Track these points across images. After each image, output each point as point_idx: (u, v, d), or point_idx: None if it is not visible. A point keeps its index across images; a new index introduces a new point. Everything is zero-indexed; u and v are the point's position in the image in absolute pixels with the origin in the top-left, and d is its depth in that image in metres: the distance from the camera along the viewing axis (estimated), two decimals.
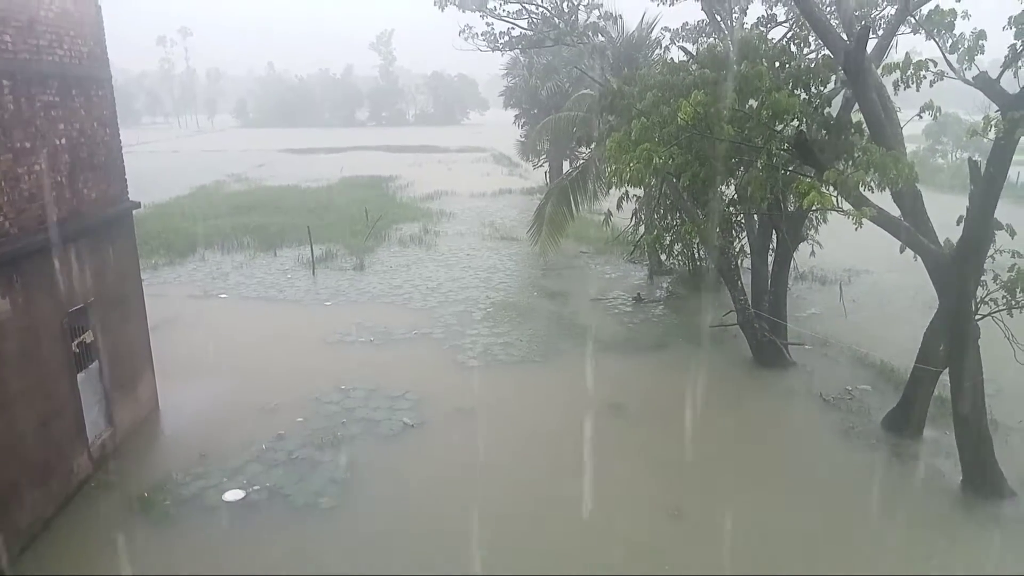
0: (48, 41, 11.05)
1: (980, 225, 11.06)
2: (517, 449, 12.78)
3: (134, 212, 14.09)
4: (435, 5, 25.93)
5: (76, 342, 11.69)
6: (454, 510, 10.91)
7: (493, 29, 27.16)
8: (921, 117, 12.35)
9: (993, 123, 10.50)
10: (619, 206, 21.02)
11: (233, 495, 11.29)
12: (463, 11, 26.20)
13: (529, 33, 27.44)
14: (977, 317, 11.55)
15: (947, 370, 12.14)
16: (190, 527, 10.55)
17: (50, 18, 11.12)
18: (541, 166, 42.17)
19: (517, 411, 14.40)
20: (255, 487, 11.49)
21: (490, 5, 25.68)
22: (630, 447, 12.96)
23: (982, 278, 11.63)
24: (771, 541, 10.23)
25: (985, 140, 10.76)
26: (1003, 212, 11.25)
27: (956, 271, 11.45)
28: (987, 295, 11.68)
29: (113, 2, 12.72)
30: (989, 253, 11.40)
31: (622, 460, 12.46)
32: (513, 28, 26.84)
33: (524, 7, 25.91)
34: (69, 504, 10.97)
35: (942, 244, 12.08)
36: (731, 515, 10.74)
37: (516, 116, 43.18)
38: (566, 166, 35.38)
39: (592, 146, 24.46)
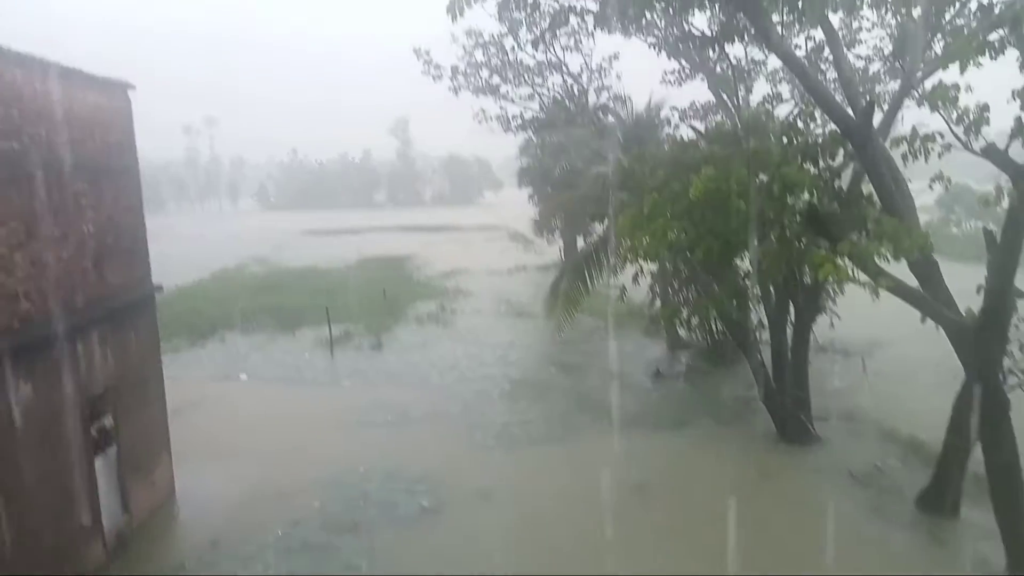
0: (81, 135, 11.53)
1: (1001, 294, 10.95)
2: (537, 533, 12.43)
3: (157, 296, 14.32)
4: (450, 90, 26.89)
5: (95, 427, 11.70)
6: None
7: (506, 112, 28.09)
8: (932, 188, 12.45)
9: (1005, 192, 10.56)
10: (635, 280, 21.09)
11: None
12: (477, 96, 27.13)
13: (541, 115, 28.30)
14: (1006, 387, 11.29)
15: (979, 445, 11.79)
16: None
17: (84, 112, 11.65)
18: (555, 243, 42.63)
19: (536, 493, 14.08)
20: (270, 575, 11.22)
21: (502, 91, 26.60)
22: (655, 530, 12.57)
23: (1008, 347, 11.43)
24: None
25: (998, 209, 10.79)
26: (1022, 280, 11.17)
27: (980, 341, 11.27)
28: (1015, 364, 11.44)
29: (141, 91, 13.26)
30: (1013, 322, 11.24)
31: (648, 544, 12.06)
32: (525, 111, 27.71)
33: (536, 91, 26.81)
34: None
35: (963, 313, 11.95)
36: None
37: (530, 195, 43.97)
38: (580, 242, 35.73)
39: (605, 222, 24.81)
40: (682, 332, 23.63)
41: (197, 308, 32.26)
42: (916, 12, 13.79)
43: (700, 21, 17.32)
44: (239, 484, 14.43)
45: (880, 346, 23.51)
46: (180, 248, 50.42)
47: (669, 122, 25.38)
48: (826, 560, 11.41)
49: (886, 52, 18.93)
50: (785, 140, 14.50)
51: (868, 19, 18.23)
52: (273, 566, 11.47)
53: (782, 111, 20.12)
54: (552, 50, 24.49)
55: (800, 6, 11.57)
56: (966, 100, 11.90)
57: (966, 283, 11.69)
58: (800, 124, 14.99)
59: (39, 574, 9.87)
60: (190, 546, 12.23)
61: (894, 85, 17.54)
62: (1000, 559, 11.14)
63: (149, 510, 13.16)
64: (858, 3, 15.09)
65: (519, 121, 28.62)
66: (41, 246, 10.25)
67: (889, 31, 17.64)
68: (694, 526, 12.69)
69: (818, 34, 16.94)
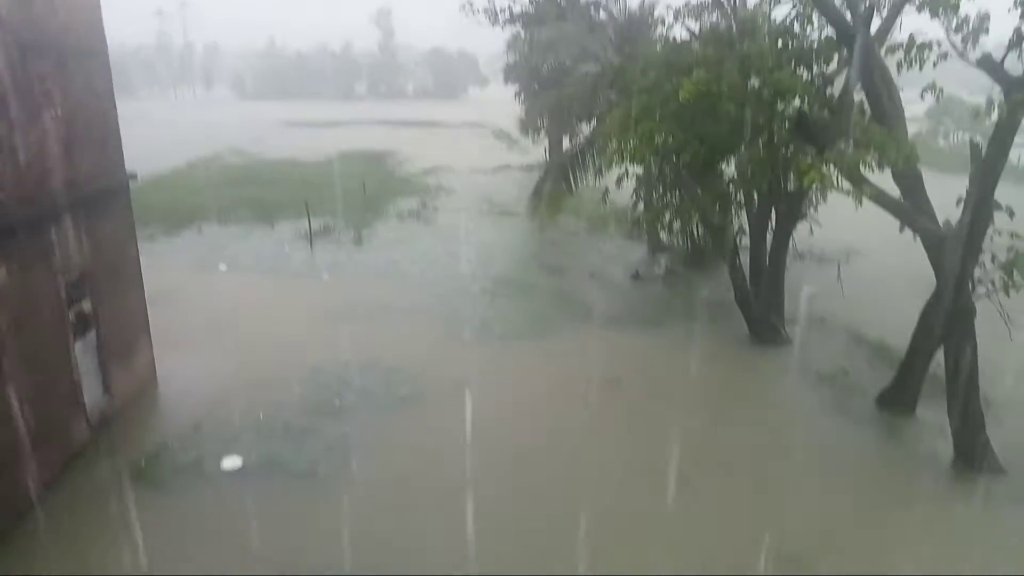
0: (43, 12, 10.91)
1: (980, 206, 11.08)
2: (513, 422, 12.86)
3: (131, 183, 14.03)
4: None
5: (73, 311, 11.70)
6: (450, 480, 10.98)
7: (494, 4, 26.92)
8: (923, 98, 12.32)
9: (996, 105, 10.48)
10: (618, 184, 20.98)
11: (231, 463, 11.38)
12: None
13: (530, 9, 27.17)
14: (973, 297, 11.61)
15: (942, 349, 12.23)
16: (188, 494, 10.65)
17: None
18: (541, 142, 41.96)
19: (513, 385, 14.47)
20: (253, 456, 11.58)
21: None
22: (627, 420, 13.07)
23: (980, 258, 11.67)
24: (766, 511, 10.35)
25: (987, 122, 10.75)
26: (1003, 194, 11.27)
27: (954, 251, 11.48)
28: (984, 275, 11.72)
29: None
30: (987, 234, 11.43)
31: (619, 432, 12.58)
32: (514, 3, 26.57)
33: None
34: (67, 470, 11.05)
35: (941, 225, 12.10)
36: (732, 483, 10.86)
37: (516, 92, 42.82)
38: (566, 143, 35.20)
39: (592, 123, 24.36)
40: (663, 236, 23.77)
41: (173, 198, 31.70)
42: None
43: None
44: (220, 371, 14.64)
45: (857, 254, 23.86)
46: (154, 135, 49.01)
47: (663, 21, 24.49)
48: (784, 450, 11.98)
49: None
50: (780, 43, 14.14)
51: None
52: (255, 446, 11.80)
53: (779, 12, 19.46)
54: None
55: None
56: (967, 8, 11.60)
57: (948, 195, 11.78)
58: (796, 27, 14.57)
59: (26, 451, 10.10)
60: (172, 428, 12.52)
61: None
62: (948, 453, 11.78)
63: (131, 394, 13.38)
64: None
65: (507, 15, 27.47)
66: (5, 129, 9.88)
67: None
68: (663, 417, 13.19)
69: None
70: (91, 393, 12.11)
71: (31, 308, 10.48)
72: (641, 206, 23.06)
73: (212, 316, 17.73)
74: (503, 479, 11.00)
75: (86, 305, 12.11)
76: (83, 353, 11.94)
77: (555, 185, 22.05)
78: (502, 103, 60.25)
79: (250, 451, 11.70)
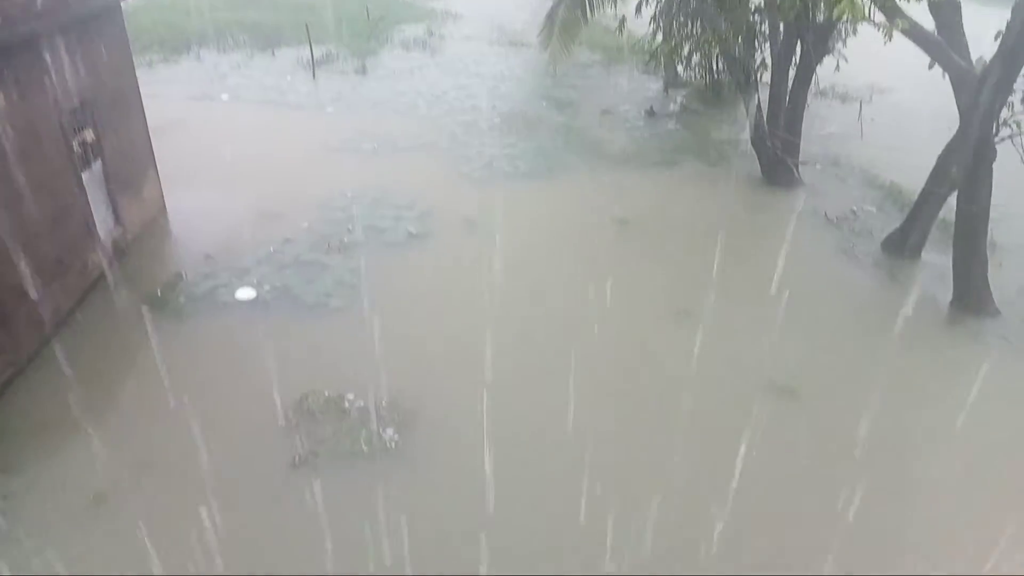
0: None
1: (1017, 41, 10.43)
2: (522, 260, 12.98)
3: (124, 4, 13.30)
4: None
5: (77, 140, 11.54)
6: (459, 313, 11.33)
7: None
8: None
9: None
10: (637, 11, 19.75)
11: (245, 294, 11.70)
12: None
13: None
14: (996, 139, 11.25)
15: (955, 193, 12.06)
16: (205, 322, 11.04)
17: None
18: None
19: (522, 224, 14.49)
20: (266, 287, 11.88)
21: None
22: (635, 258, 13.22)
23: (1008, 99, 11.18)
24: (763, 345, 10.70)
25: None
26: None
27: (983, 89, 10.98)
28: (1011, 117, 11.28)
29: None
30: (1021, 72, 10.87)
31: (627, 270, 12.76)
32: None
33: None
34: (86, 299, 11.41)
35: (973, 62, 11.48)
36: (732, 318, 11.17)
37: None
38: None
39: None
40: (681, 70, 22.76)
41: (168, 21, 30.19)
42: None
43: None
44: (228, 204, 14.67)
45: (881, 93, 22.94)
46: None
47: None
48: (785, 290, 12.18)
49: None
50: None
51: None
52: (267, 279, 12.08)
53: None
54: None
55: None
56: None
57: (986, 29, 11.07)
58: None
59: (48, 276, 10.37)
60: (185, 258, 12.76)
61: None
62: (946, 295, 11.97)
63: (142, 225, 13.51)
64: None
65: None
66: None
67: None
68: (670, 254, 13.34)
69: None
70: (103, 224, 12.23)
71: (34, 137, 10.32)
72: (659, 37, 21.90)
73: (217, 149, 17.47)
74: (511, 314, 11.27)
75: (89, 134, 11.92)
76: (91, 183, 11.91)
77: (569, 12, 20.74)
78: None
79: (262, 283, 11.99)
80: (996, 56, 10.75)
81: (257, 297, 11.65)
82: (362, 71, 25.07)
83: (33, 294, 10.17)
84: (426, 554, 7.23)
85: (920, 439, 9.07)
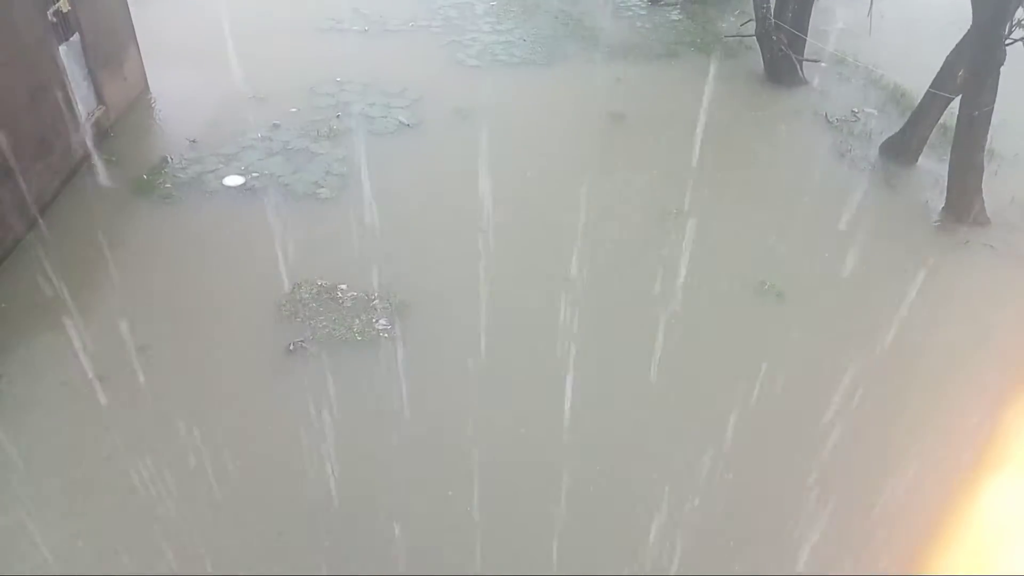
0: None
1: None
2: (515, 153, 12.74)
3: None
4: None
5: (51, 11, 10.99)
6: (450, 206, 11.23)
7: None
8: None
9: None
10: None
11: (233, 180, 11.54)
12: None
13: None
14: (1008, 42, 10.89)
15: (958, 97, 11.78)
16: (193, 208, 10.93)
17: None
18: None
19: (517, 115, 14.15)
20: (254, 174, 11.70)
21: None
22: (630, 154, 13.02)
23: None
24: (752, 245, 10.75)
25: None
26: None
27: None
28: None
29: None
30: None
31: (621, 166, 12.60)
32: None
33: None
34: (72, 179, 11.22)
35: None
36: (724, 219, 11.15)
37: None
38: None
39: None
40: None
41: None
42: None
43: None
44: (213, 85, 14.19)
45: None
46: None
47: None
48: (778, 190, 12.13)
49: None
50: None
51: None
52: (255, 166, 11.88)
53: None
54: None
55: None
56: None
57: None
58: None
59: (29, 157, 10.15)
60: (170, 142, 12.48)
61: None
62: (938, 202, 11.95)
63: (124, 104, 13.11)
64: None
65: None
66: None
67: None
68: (664, 151, 13.15)
69: None
70: (84, 102, 11.87)
71: (5, 4, 9.83)
72: None
73: (201, 25, 16.68)
74: (502, 209, 11.13)
75: (64, 4, 11.33)
76: (69, 58, 11.45)
77: None
78: None
79: (250, 170, 11.80)
80: None
81: (245, 184, 11.50)
82: None
83: (18, 172, 9.98)
84: (417, 438, 7.50)
85: (904, 340, 9.26)
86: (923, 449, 7.78)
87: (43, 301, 8.84)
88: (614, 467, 7.49)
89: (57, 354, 8.26)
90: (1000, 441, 8.11)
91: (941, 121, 12.89)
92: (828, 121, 14.50)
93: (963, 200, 11.63)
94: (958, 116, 11.64)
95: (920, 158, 13.12)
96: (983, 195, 11.63)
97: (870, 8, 18.22)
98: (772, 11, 15.74)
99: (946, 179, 11.90)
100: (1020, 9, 10.78)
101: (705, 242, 10.68)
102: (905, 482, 7.41)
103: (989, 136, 11.59)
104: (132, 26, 13.62)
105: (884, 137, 13.61)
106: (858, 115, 14.77)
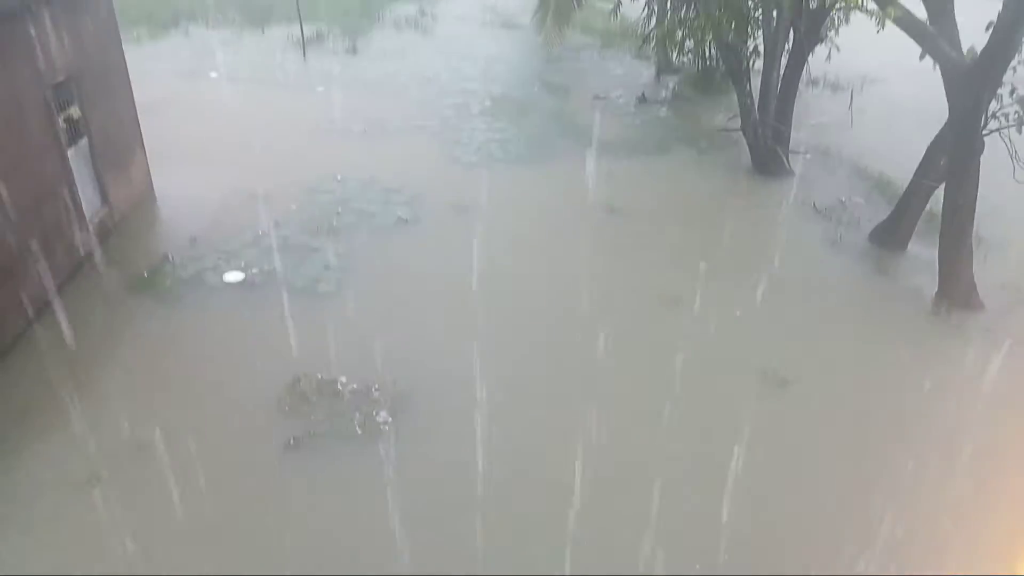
0: None
1: (1008, 33, 10.46)
2: (512, 246, 12.96)
3: None
4: None
5: (62, 117, 11.39)
6: (449, 298, 11.31)
7: None
8: None
9: None
10: None
11: (233, 276, 11.64)
12: None
13: None
14: (984, 132, 11.31)
15: (943, 185, 12.12)
16: (193, 305, 10.98)
17: None
18: None
19: (513, 210, 14.46)
20: (254, 270, 11.82)
21: None
22: (625, 246, 13.24)
23: (999, 91, 11.22)
24: (750, 331, 10.77)
25: None
26: None
27: (973, 81, 11.01)
28: (999, 109, 11.34)
29: None
30: (1012, 64, 10.90)
31: (617, 256, 12.78)
32: None
33: None
34: (74, 279, 11.31)
35: (964, 52, 11.50)
36: (722, 307, 11.21)
37: None
38: None
39: None
40: (673, 56, 22.68)
41: None
42: None
43: None
44: (216, 185, 14.55)
45: (873, 83, 22.97)
46: None
47: None
48: (772, 278, 12.24)
49: None
50: None
51: None
52: (255, 262, 12.02)
53: None
54: None
55: None
56: None
57: (978, 20, 11.08)
58: None
59: (33, 256, 10.27)
60: (172, 240, 12.66)
61: None
62: (931, 287, 12.09)
63: (129, 205, 13.39)
64: None
65: None
66: None
67: None
68: (659, 242, 13.37)
69: None
70: (89, 203, 12.11)
71: (18, 111, 10.18)
72: (653, 21, 21.85)
73: (205, 128, 17.32)
74: (501, 299, 11.26)
75: (74, 111, 11.77)
76: (77, 161, 11.77)
77: None
78: None
79: (250, 266, 11.92)
80: (986, 48, 10.78)
81: (245, 280, 11.60)
82: (353, 51, 24.83)
83: (20, 271, 10.08)
84: (420, 532, 7.28)
85: (905, 428, 9.18)
86: (933, 535, 7.57)
87: (39, 402, 8.75)
88: (617, 568, 7.23)
89: (52, 454, 8.09)
90: (1006, 542, 7.90)
91: (928, 208, 13.20)
92: (816, 210, 14.86)
93: (956, 286, 11.77)
94: (943, 204, 11.95)
95: (910, 244, 13.37)
96: (974, 281, 11.78)
97: (850, 103, 19.04)
98: (756, 106, 16.41)
99: (937, 265, 12.08)
100: (994, 102, 11.25)
101: (705, 330, 10.72)
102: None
103: (976, 222, 11.85)
104: (139, 130, 14.09)
105: (872, 224, 13.91)
106: (845, 204, 15.14)
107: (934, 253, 12.24)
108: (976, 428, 9.15)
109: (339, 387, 9.30)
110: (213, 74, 21.95)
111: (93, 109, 12.25)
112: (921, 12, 11.94)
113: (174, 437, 8.33)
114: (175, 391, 9.24)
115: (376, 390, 9.26)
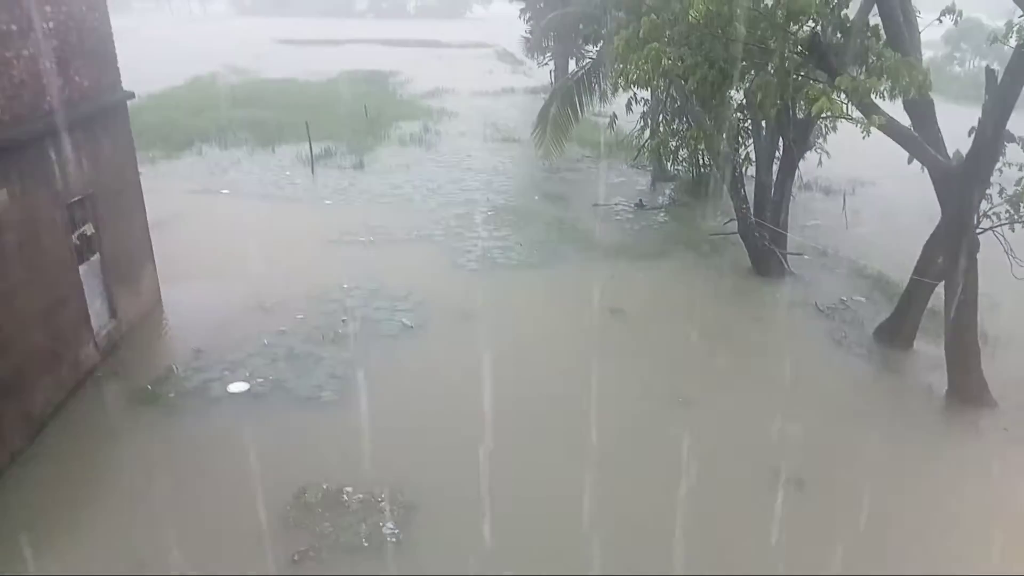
0: None
1: (991, 136, 10.86)
2: (517, 351, 12.96)
3: (129, 102, 13.78)
4: None
5: (76, 234, 11.69)
6: (455, 405, 11.20)
7: None
8: (941, 21, 11.88)
9: (1015, 29, 10.13)
10: (628, 108, 20.57)
11: (237, 387, 11.58)
12: None
13: None
14: (978, 231, 11.54)
15: (943, 283, 12.24)
16: (196, 417, 10.87)
17: None
18: (546, 64, 40.95)
19: (517, 315, 14.57)
20: (258, 380, 11.77)
21: None
22: (630, 348, 13.23)
23: (988, 191, 11.53)
24: (763, 435, 10.56)
25: (1006, 48, 10.41)
26: (1016, 124, 11.04)
27: (962, 183, 11.33)
28: (990, 209, 11.62)
29: None
30: (997, 166, 11.26)
31: (623, 359, 12.74)
32: None
33: None
34: (78, 392, 11.27)
35: (951, 156, 11.90)
36: (731, 408, 11.09)
37: (521, 10, 41.51)
38: (572, 65, 34.31)
39: (599, 45, 23.67)
40: (668, 164, 23.48)
41: (172, 118, 31.17)
42: None
43: None
44: (224, 297, 14.73)
45: (863, 186, 23.63)
46: (149, 52, 47.74)
47: None
48: (780, 380, 12.15)
49: None
50: None
51: None
52: (260, 371, 11.99)
53: None
54: None
55: None
56: None
57: (960, 126, 11.55)
58: None
59: (37, 371, 10.28)
60: (177, 352, 12.70)
61: None
62: (941, 385, 11.97)
63: (137, 317, 13.51)
64: None
65: None
66: None
67: None
68: (664, 344, 13.37)
69: None
70: (98, 317, 12.23)
71: (34, 230, 10.46)
72: (647, 133, 22.74)
73: (215, 242, 17.72)
74: (508, 405, 11.12)
75: (88, 229, 12.09)
76: (88, 277, 11.99)
77: (560, 110, 21.65)
78: (506, 21, 58.53)
79: (255, 376, 11.89)
80: (971, 150, 11.16)
81: (250, 390, 11.53)
82: (360, 166, 25.74)
83: (24, 386, 10.06)
84: None
85: (926, 529, 8.86)
86: None
87: (42, 517, 8.53)
88: None
89: (54, 571, 7.81)
90: None
91: (930, 305, 13.27)
92: (819, 309, 14.94)
93: (966, 383, 11.67)
94: (945, 302, 12.03)
95: (915, 342, 13.35)
96: (984, 377, 11.68)
97: (844, 205, 19.51)
98: (752, 210, 16.82)
99: (944, 361, 12.01)
100: (984, 201, 11.54)
101: (714, 431, 10.56)
102: None
103: (980, 319, 11.88)
104: (150, 245, 14.41)
105: (875, 323, 13.95)
106: (847, 303, 15.24)
107: (941, 350, 12.21)
108: (1001, 530, 8.83)
109: (345, 497, 9.08)
110: (225, 191, 22.67)
111: (106, 226, 12.58)
112: (905, 119, 12.45)
113: (176, 556, 8.06)
114: (177, 507, 8.99)
115: (382, 499, 9.03)
